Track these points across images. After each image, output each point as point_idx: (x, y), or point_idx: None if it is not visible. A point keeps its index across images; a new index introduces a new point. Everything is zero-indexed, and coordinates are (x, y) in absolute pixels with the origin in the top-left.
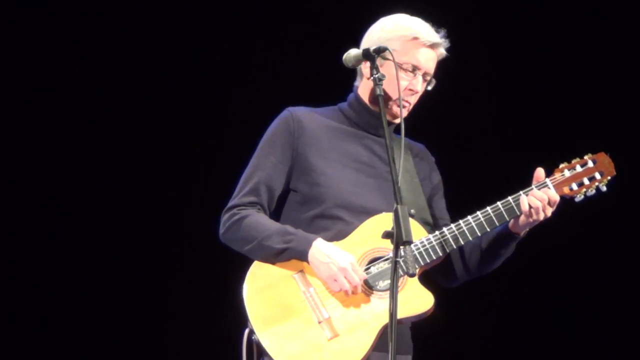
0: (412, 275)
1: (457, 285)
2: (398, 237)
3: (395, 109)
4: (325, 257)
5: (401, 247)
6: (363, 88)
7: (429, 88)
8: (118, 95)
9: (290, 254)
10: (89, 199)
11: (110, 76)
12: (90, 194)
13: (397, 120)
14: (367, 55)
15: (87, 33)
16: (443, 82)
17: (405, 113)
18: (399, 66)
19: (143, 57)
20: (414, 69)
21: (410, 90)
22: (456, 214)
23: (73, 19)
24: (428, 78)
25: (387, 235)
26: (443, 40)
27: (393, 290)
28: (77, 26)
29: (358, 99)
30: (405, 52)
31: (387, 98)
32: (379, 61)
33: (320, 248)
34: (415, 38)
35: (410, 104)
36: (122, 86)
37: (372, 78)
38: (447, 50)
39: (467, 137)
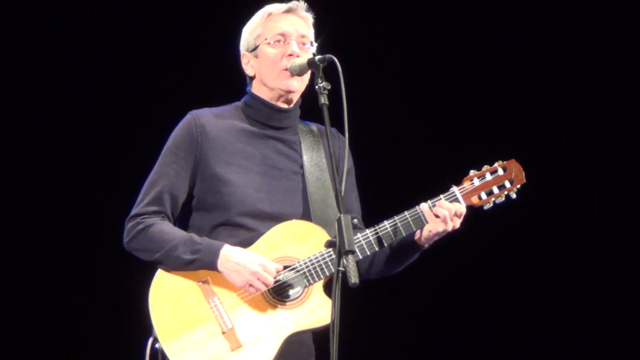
0: (354, 285)
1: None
2: (340, 246)
3: (285, 81)
4: (235, 264)
5: (343, 256)
6: (255, 87)
7: (313, 50)
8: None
9: (199, 265)
10: None
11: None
12: None
13: (290, 96)
14: (311, 64)
15: None
16: (357, 85)
17: (296, 85)
18: (267, 45)
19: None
20: (283, 37)
21: (290, 55)
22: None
23: None
24: (305, 41)
25: (329, 244)
26: (295, 3)
27: (335, 300)
28: None
29: (253, 96)
30: (269, 30)
31: (273, 77)
32: (254, 54)
33: (228, 256)
34: (269, 14)
35: (299, 75)
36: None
37: (316, 87)
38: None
39: (377, 140)
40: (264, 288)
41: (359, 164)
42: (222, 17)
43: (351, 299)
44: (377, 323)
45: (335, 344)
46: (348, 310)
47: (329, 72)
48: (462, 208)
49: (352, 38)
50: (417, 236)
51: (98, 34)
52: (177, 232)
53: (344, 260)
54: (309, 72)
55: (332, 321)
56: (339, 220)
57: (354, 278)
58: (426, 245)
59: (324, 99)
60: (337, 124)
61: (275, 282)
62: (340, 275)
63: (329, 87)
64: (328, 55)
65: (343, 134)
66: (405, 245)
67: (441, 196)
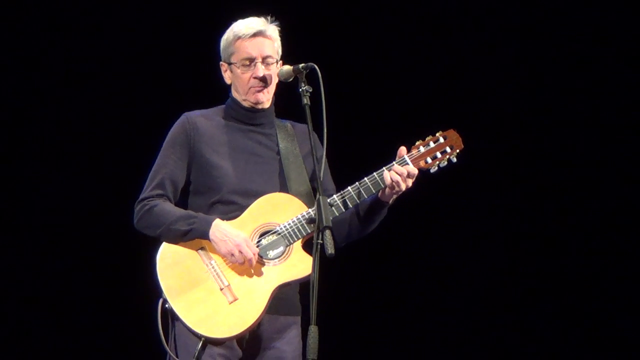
0: (331, 255)
1: (341, 246)
2: (319, 223)
3: (253, 96)
4: (223, 235)
5: (321, 231)
6: (233, 92)
7: (277, 67)
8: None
9: (194, 234)
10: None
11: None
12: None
13: (260, 106)
14: (296, 71)
15: None
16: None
17: (264, 97)
18: (237, 67)
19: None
20: (250, 60)
21: (255, 78)
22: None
23: None
24: (270, 60)
25: (310, 220)
26: (263, 25)
27: (314, 265)
28: None
29: (234, 99)
30: (238, 52)
31: (244, 92)
32: (230, 68)
33: (218, 227)
34: (238, 38)
35: (266, 88)
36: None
37: (300, 90)
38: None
39: (347, 128)
40: (242, 260)
41: (334, 148)
42: (212, 31)
43: (332, 262)
44: (356, 283)
45: (315, 303)
46: (327, 272)
47: (310, 77)
48: (413, 169)
49: (319, 48)
50: (380, 195)
51: (105, 40)
52: (176, 210)
53: (322, 234)
54: (281, 80)
55: (312, 282)
56: (318, 201)
57: (330, 249)
58: (390, 202)
59: (306, 100)
60: (315, 118)
61: (259, 246)
62: (319, 246)
63: (311, 90)
64: (310, 64)
65: (322, 126)
66: (374, 205)
67: (394, 162)
